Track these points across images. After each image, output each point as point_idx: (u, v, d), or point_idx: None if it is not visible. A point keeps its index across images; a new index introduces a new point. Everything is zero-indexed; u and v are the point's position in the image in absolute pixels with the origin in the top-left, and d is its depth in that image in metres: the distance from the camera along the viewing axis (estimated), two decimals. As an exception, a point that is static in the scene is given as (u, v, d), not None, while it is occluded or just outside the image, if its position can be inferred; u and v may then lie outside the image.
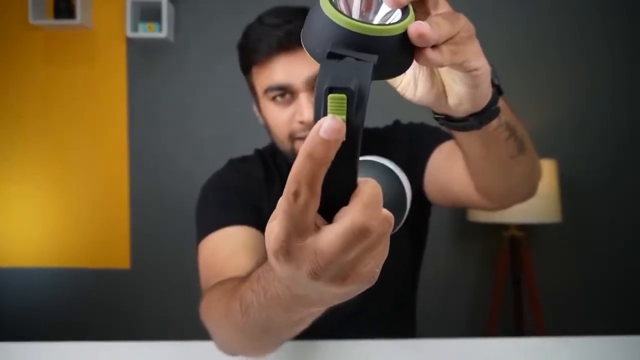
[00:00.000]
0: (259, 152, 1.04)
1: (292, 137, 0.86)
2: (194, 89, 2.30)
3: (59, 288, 2.31)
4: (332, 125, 0.28)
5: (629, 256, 2.27)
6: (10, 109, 2.31)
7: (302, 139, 0.84)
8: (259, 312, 0.51)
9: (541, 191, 2.07)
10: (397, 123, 1.05)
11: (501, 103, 0.56)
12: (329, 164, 0.29)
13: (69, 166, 2.31)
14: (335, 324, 0.96)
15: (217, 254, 0.83)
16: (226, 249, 0.82)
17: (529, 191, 0.81)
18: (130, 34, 2.17)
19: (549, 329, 2.09)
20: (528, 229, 2.17)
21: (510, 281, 2.10)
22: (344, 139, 0.29)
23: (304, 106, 0.82)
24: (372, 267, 0.33)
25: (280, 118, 0.86)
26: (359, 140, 0.30)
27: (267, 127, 0.92)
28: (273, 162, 1.00)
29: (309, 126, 0.82)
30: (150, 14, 2.23)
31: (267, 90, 0.85)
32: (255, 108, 0.96)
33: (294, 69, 0.82)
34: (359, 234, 0.31)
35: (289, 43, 0.82)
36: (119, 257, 2.30)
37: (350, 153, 0.30)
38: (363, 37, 0.33)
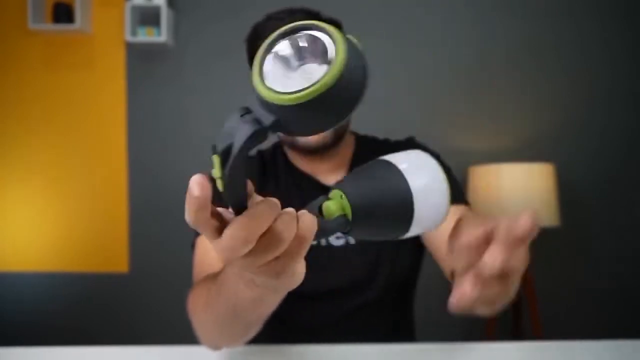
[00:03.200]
0: (259, 153, 1.07)
1: None
2: (192, 93, 2.31)
3: (58, 292, 2.31)
4: (194, 181, 0.34)
5: (627, 260, 2.27)
6: (9, 113, 2.31)
7: None
8: (227, 289, 0.57)
9: (539, 195, 2.08)
10: (410, 141, 1.05)
11: None
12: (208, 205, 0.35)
13: (68, 170, 2.31)
14: (334, 328, 0.96)
15: (208, 252, 0.87)
16: (208, 259, 0.86)
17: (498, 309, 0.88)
18: (129, 38, 2.17)
19: (546, 332, 2.09)
20: (526, 233, 2.18)
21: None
22: (220, 187, 0.36)
23: None
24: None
25: None
26: (235, 184, 0.36)
27: None
28: (273, 162, 1.03)
29: None
30: (150, 19, 2.24)
31: None
32: None
33: None
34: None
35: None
36: (117, 261, 2.30)
37: (230, 191, 0.36)
38: (262, 99, 0.35)
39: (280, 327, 0.98)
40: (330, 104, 0.34)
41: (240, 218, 0.36)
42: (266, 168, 1.02)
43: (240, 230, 0.36)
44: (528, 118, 2.27)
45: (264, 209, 0.36)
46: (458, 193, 0.94)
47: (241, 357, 0.80)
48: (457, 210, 0.89)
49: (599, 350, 0.82)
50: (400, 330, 1.04)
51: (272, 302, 0.56)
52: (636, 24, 2.26)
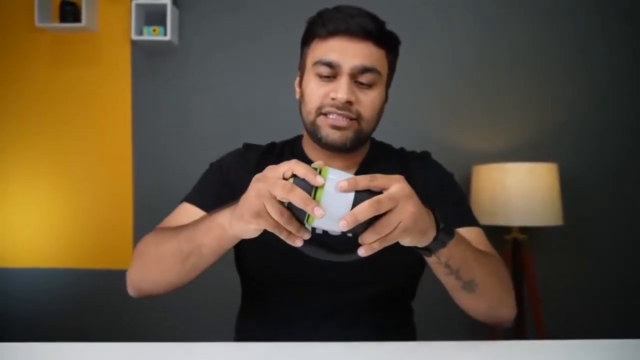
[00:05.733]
0: (272, 143, 1.10)
1: (319, 111, 0.94)
2: (197, 91, 2.31)
3: (61, 289, 2.32)
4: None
5: (630, 259, 2.27)
6: (14, 110, 2.32)
7: (326, 114, 0.93)
8: (189, 230, 0.81)
9: (543, 194, 2.06)
10: (427, 157, 1.09)
11: (451, 248, 0.74)
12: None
13: (73, 168, 2.33)
14: (337, 326, 0.96)
15: (174, 221, 0.98)
16: (182, 221, 0.94)
17: (487, 321, 0.93)
18: (134, 37, 2.18)
19: (550, 331, 2.09)
20: (530, 232, 2.18)
21: (512, 284, 2.10)
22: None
23: (342, 87, 0.91)
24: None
25: (317, 92, 0.94)
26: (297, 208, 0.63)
27: (301, 99, 0.99)
28: (279, 154, 1.06)
29: (338, 104, 0.92)
30: (155, 17, 2.25)
31: (317, 62, 0.93)
32: (297, 82, 1.03)
33: (347, 53, 0.91)
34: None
35: (355, 31, 0.91)
36: (121, 257, 2.31)
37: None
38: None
39: (269, 320, 1.00)
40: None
41: (288, 218, 0.64)
42: (270, 157, 1.06)
43: (281, 219, 0.64)
44: (531, 118, 2.27)
45: (293, 228, 0.64)
46: (464, 213, 1.02)
47: (239, 354, 0.81)
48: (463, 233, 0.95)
49: (602, 349, 0.82)
50: (401, 330, 1.04)
51: (207, 252, 0.79)
52: (637, 24, 2.25)
